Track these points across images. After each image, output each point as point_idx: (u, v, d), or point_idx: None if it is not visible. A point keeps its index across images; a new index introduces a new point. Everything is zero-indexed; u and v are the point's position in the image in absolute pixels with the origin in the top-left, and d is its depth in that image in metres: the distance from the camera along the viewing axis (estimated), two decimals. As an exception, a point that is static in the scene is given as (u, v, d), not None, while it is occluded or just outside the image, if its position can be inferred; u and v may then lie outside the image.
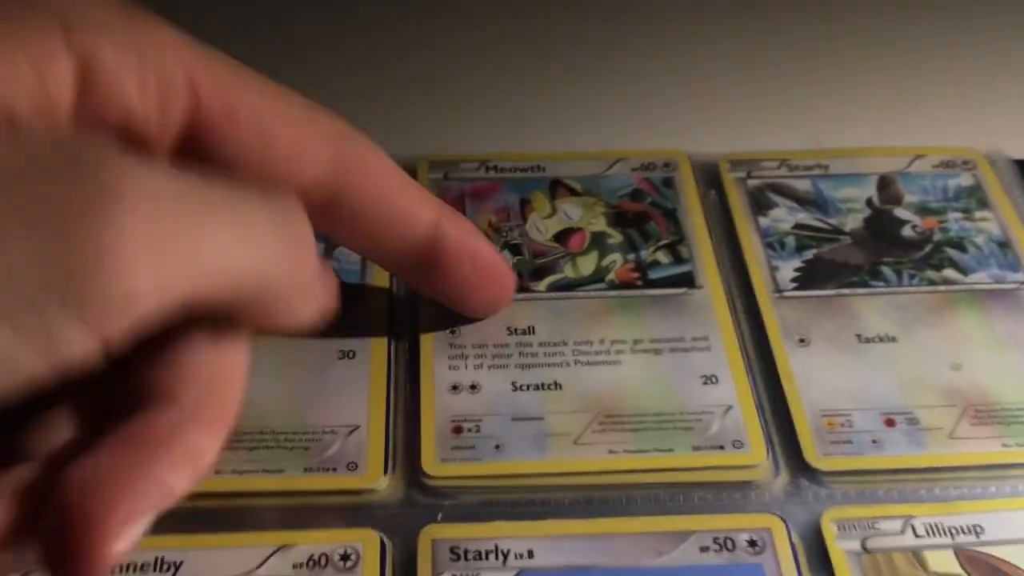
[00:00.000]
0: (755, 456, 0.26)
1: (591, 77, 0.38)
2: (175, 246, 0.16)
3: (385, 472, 0.25)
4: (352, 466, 0.25)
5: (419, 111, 0.35)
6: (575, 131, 0.35)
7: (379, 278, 0.30)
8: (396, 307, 0.29)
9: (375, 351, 0.28)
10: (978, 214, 0.32)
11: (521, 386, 0.27)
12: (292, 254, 0.19)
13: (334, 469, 0.25)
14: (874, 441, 0.26)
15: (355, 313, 0.29)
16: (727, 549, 0.24)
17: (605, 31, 0.39)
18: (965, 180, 0.33)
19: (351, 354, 0.28)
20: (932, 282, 0.30)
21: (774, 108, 0.36)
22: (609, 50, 0.39)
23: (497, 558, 0.23)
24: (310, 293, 0.21)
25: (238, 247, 0.18)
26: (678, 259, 0.30)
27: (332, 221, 0.23)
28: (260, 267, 0.18)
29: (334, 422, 0.26)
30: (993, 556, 0.24)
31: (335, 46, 0.38)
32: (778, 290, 0.30)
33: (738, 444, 0.26)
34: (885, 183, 0.33)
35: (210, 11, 0.38)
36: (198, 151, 0.20)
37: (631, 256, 0.30)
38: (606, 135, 0.34)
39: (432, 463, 0.25)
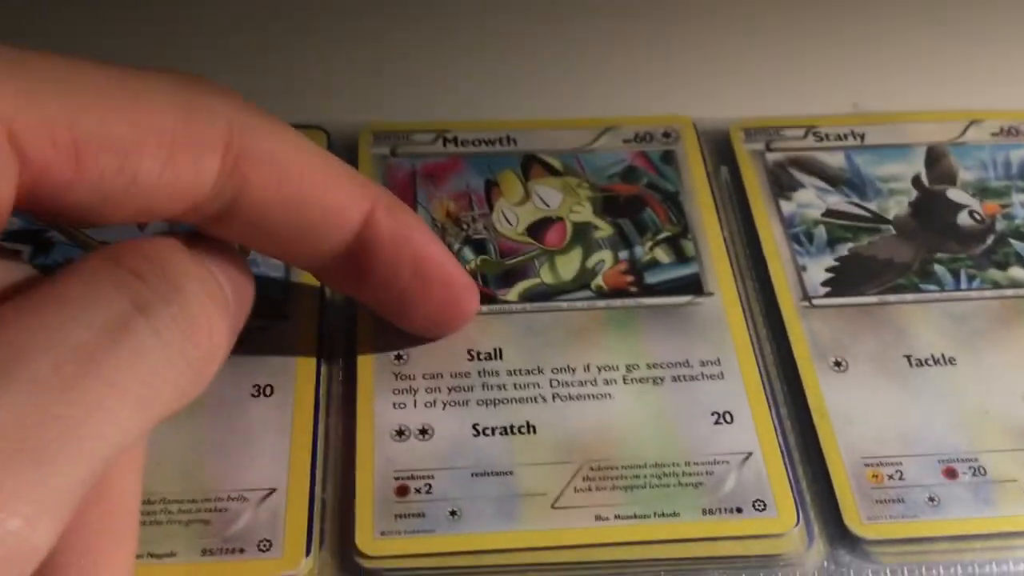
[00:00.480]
0: (783, 522, 0.21)
1: (571, 26, 0.32)
2: (52, 469, 0.13)
3: (308, 552, 0.20)
4: (265, 545, 0.20)
5: (360, 69, 0.30)
6: (553, 93, 0.30)
7: (308, 279, 0.24)
8: (328, 320, 0.24)
9: (300, 385, 0.23)
10: (1049, 195, 0.27)
11: (484, 430, 0.22)
12: (200, 375, 0.16)
13: (241, 551, 0.20)
14: (931, 499, 0.22)
15: (276, 333, 0.23)
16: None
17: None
18: (1031, 151, 0.28)
19: (268, 390, 0.22)
20: (996, 284, 0.25)
21: (798, 62, 0.31)
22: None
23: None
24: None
25: (136, 417, 0.15)
26: (681, 258, 0.25)
27: (234, 229, 0.19)
28: (163, 412, 0.16)
29: (243, 485, 0.21)
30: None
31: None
32: (806, 297, 0.24)
33: (760, 505, 0.21)
34: (934, 157, 0.27)
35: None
36: (41, 209, 0.16)
37: (623, 254, 0.25)
38: (592, 98, 0.30)
39: (369, 538, 0.20)
